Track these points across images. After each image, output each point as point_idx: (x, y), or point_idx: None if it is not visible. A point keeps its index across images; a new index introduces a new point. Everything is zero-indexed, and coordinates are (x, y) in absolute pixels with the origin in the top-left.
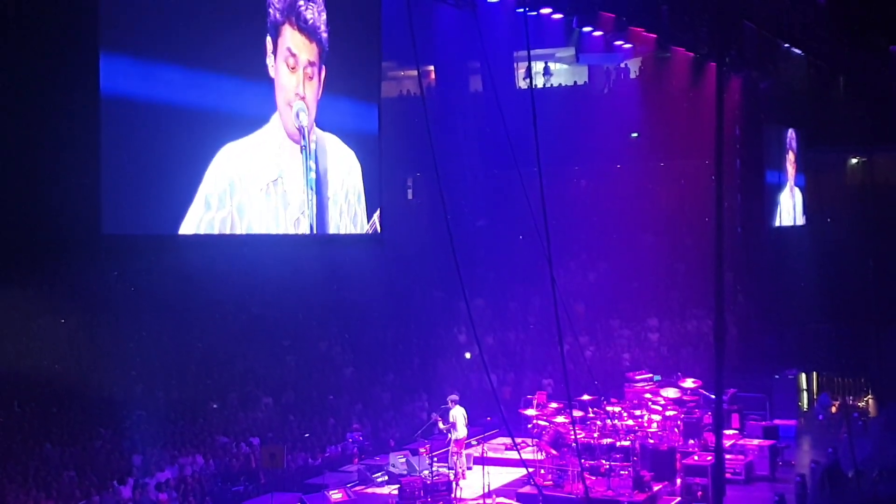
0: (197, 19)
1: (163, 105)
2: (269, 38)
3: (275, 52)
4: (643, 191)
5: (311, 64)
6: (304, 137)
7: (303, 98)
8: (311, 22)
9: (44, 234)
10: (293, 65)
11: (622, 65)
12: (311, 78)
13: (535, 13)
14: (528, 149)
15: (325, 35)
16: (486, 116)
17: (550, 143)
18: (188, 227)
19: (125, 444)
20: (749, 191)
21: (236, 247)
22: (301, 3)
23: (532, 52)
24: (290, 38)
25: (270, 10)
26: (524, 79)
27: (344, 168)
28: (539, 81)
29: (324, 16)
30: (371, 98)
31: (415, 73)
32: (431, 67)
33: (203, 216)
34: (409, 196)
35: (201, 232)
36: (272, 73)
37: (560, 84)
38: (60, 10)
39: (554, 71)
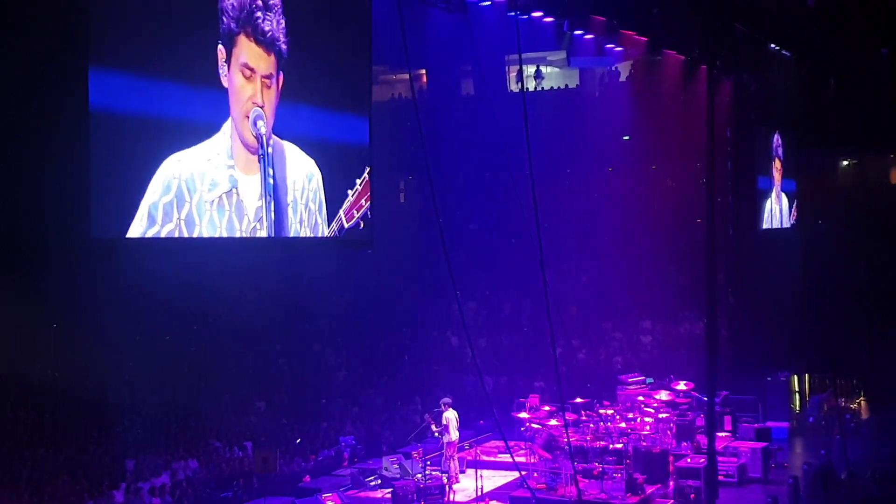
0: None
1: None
2: (221, 48)
3: (228, 61)
4: (635, 193)
5: (268, 76)
6: (262, 146)
7: (261, 106)
8: (269, 34)
9: (34, 238)
10: (249, 75)
11: (613, 68)
12: (268, 87)
13: (527, 16)
14: (519, 152)
15: (283, 46)
16: (477, 119)
17: (542, 146)
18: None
19: (118, 448)
20: (740, 193)
21: (229, 250)
22: (259, 14)
23: (523, 56)
24: (247, 49)
25: (224, 19)
26: (516, 82)
27: (303, 176)
28: (530, 85)
29: (283, 24)
30: (361, 110)
31: (407, 76)
32: (423, 71)
33: (147, 230)
34: (402, 199)
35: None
36: (225, 83)
37: (551, 87)
38: (49, 24)
39: (545, 74)
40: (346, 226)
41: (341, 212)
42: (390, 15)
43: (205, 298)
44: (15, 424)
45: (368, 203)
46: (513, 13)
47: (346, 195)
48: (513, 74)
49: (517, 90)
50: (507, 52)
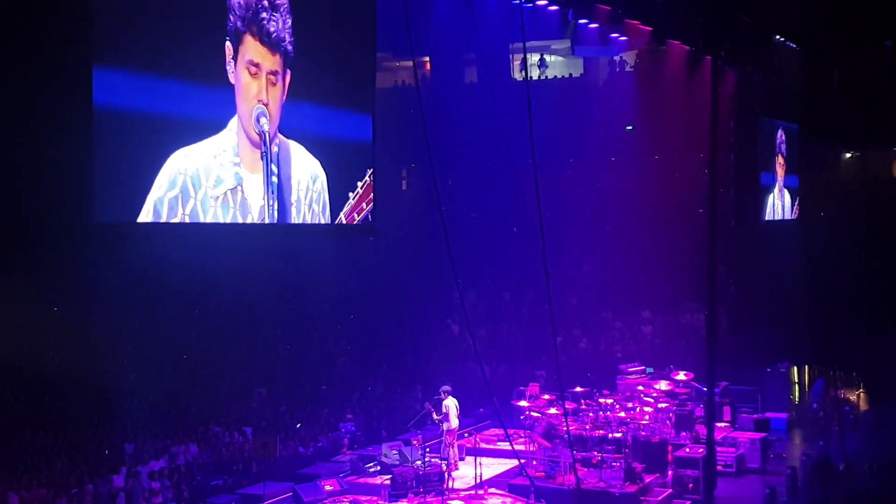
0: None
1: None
2: (228, 44)
3: (235, 58)
4: (638, 183)
5: (273, 73)
6: (265, 144)
7: (266, 104)
8: (274, 35)
9: (36, 224)
10: (255, 72)
11: (617, 57)
12: (273, 84)
13: (531, 5)
14: (522, 140)
15: (289, 46)
16: (481, 108)
17: (545, 135)
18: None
19: (118, 432)
20: (742, 185)
21: (232, 236)
22: (264, 14)
23: (527, 44)
24: (252, 48)
25: (231, 17)
26: (519, 70)
27: (308, 176)
28: (534, 73)
29: (289, 23)
30: (365, 107)
31: (410, 63)
32: (427, 58)
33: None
34: (403, 187)
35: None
36: (232, 80)
37: (555, 76)
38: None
39: (549, 63)
40: None
41: (342, 214)
42: (394, 2)
43: (206, 284)
44: (15, 408)
45: (370, 206)
46: (517, 1)
47: (348, 197)
48: (516, 63)
49: (521, 79)
50: (511, 41)
